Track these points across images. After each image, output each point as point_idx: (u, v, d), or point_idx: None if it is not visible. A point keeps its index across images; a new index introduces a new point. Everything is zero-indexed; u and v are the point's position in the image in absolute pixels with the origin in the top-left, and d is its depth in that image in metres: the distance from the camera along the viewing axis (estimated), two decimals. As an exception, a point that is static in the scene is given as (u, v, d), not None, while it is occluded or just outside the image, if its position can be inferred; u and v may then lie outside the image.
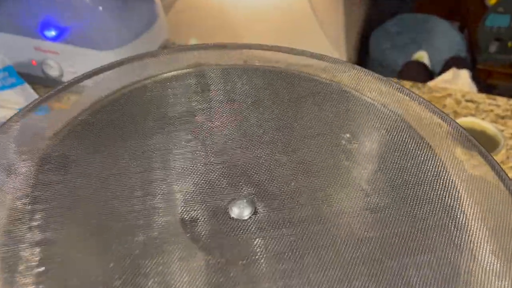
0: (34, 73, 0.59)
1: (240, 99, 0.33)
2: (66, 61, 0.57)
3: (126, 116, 0.32)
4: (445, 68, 1.13)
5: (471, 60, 1.33)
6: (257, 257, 0.24)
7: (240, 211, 0.26)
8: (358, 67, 0.35)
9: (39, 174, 0.27)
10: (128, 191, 0.27)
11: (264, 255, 0.24)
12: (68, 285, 0.22)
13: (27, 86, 0.57)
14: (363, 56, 1.31)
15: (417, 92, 0.68)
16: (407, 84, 0.71)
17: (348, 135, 0.30)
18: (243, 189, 0.27)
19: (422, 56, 1.25)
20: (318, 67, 0.35)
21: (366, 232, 0.25)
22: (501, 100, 0.67)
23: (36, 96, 0.57)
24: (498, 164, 0.27)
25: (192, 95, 0.33)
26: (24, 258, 0.23)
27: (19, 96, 0.56)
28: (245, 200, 0.26)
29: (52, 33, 0.56)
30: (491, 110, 0.66)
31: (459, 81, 1.00)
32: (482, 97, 0.68)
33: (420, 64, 1.19)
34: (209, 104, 0.32)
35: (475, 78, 1.03)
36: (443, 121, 0.31)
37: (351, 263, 0.23)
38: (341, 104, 0.32)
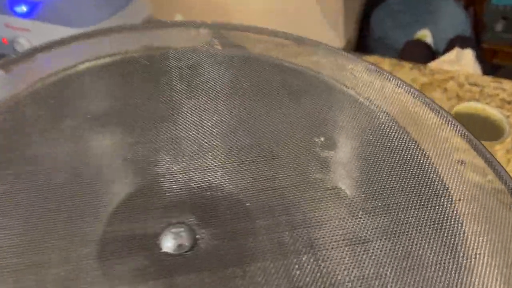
0: (6, 52, 0.55)
1: (191, 89, 0.28)
2: (39, 38, 0.53)
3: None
4: (449, 47, 1.09)
5: (475, 39, 1.29)
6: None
7: (175, 242, 0.20)
8: (344, 53, 0.30)
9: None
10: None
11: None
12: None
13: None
14: (364, 35, 1.26)
15: (418, 74, 0.65)
16: (407, 65, 0.67)
17: (322, 139, 0.25)
18: (181, 212, 0.21)
19: (425, 35, 1.21)
20: (293, 52, 0.30)
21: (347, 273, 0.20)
22: (508, 84, 0.63)
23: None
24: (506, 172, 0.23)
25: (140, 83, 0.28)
26: None
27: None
28: (182, 228, 0.21)
29: (23, 8, 0.52)
30: (497, 95, 0.63)
31: (462, 61, 0.97)
32: (487, 80, 0.64)
33: (422, 43, 1.15)
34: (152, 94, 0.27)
35: (479, 58, 1.00)
36: (437, 116, 0.27)
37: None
38: (318, 98, 0.28)
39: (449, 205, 0.23)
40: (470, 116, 0.59)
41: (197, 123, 0.25)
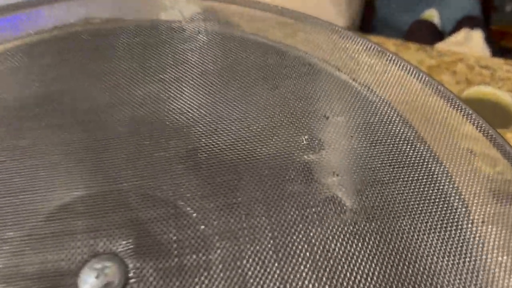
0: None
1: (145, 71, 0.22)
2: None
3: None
4: (457, 28, 1.05)
5: (484, 20, 1.24)
6: None
7: (98, 280, 0.15)
8: (340, 29, 0.25)
9: None
10: None
11: None
12: None
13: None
14: (368, 15, 1.22)
15: (425, 56, 0.59)
16: (413, 46, 0.62)
17: (306, 137, 0.19)
18: (109, 238, 0.16)
19: (432, 15, 1.17)
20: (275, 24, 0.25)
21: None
22: (523, 67, 0.58)
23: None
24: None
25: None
26: None
27: None
28: (109, 262, 0.15)
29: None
30: (509, 78, 0.58)
31: (471, 42, 0.94)
32: (499, 63, 0.59)
33: (429, 24, 1.11)
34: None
35: (488, 39, 0.96)
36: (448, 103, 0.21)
37: None
38: (301, 84, 0.22)
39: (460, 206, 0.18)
40: (480, 101, 0.54)
41: (149, 113, 0.20)
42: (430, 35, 1.05)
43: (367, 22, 1.20)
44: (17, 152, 0.18)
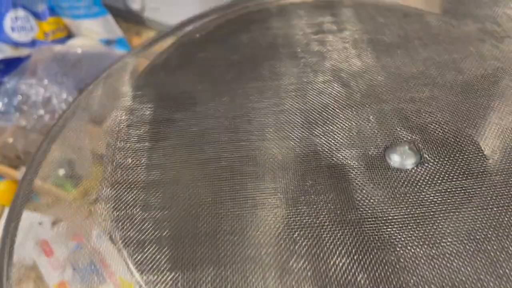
0: (114, 5, 0.58)
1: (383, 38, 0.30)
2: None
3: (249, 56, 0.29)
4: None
5: None
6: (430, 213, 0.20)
7: (402, 158, 0.22)
8: None
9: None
10: (259, 133, 0.24)
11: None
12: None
13: (109, 17, 0.57)
14: None
15: None
16: None
17: None
18: (403, 134, 0.23)
19: None
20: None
21: None
22: None
23: (117, 29, 0.57)
24: None
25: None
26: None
27: (100, 27, 0.56)
28: (407, 147, 0.22)
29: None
30: None
31: None
32: None
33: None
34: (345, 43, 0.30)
35: None
36: None
37: None
38: None
39: None
40: None
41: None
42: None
43: None
44: (313, 79, 0.27)
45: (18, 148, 0.42)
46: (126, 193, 0.23)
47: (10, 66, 0.48)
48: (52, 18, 0.55)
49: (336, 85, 0.27)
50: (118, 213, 0.22)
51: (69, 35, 0.56)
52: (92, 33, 0.56)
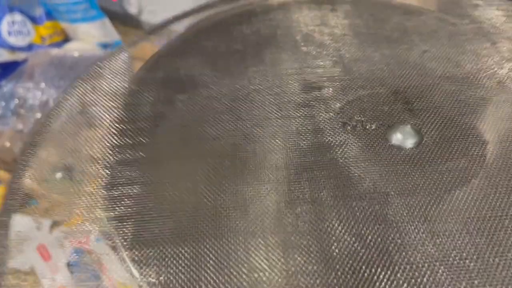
0: (112, 8, 0.58)
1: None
2: (146, -2, 0.56)
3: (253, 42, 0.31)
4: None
5: None
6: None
7: (404, 137, 0.23)
8: None
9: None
10: (262, 112, 0.25)
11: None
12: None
13: (107, 21, 0.57)
14: None
15: None
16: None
17: None
18: (405, 116, 0.24)
19: None
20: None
21: None
22: None
23: (115, 33, 0.56)
24: None
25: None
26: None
27: (97, 30, 0.56)
28: (409, 126, 0.23)
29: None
30: None
31: None
32: None
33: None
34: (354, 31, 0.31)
35: None
36: None
37: None
38: None
39: None
40: None
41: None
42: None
43: None
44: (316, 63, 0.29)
45: (15, 152, 0.41)
46: (124, 192, 0.23)
47: (7, 70, 0.48)
48: (49, 22, 0.55)
49: (338, 69, 0.28)
50: (116, 213, 0.22)
51: (66, 39, 0.56)
52: (89, 36, 0.55)
